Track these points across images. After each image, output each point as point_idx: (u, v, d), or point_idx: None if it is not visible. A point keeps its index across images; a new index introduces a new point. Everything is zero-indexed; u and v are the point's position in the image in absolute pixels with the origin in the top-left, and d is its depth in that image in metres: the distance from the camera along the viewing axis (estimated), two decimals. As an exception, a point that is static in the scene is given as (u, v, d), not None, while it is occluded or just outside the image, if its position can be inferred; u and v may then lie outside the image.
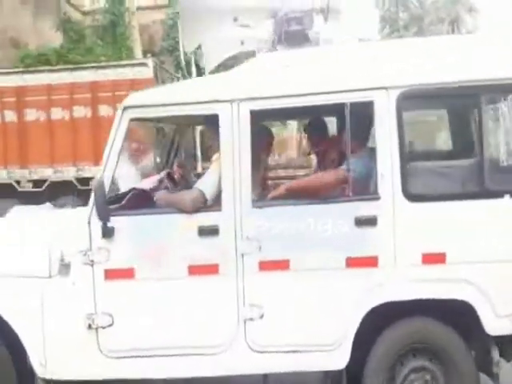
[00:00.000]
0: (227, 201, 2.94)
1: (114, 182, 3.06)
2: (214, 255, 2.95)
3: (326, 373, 3.08)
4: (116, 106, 7.67)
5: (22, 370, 3.11)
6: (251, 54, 3.35)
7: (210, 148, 3.18)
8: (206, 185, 3.03)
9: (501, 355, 3.05)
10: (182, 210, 2.99)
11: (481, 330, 2.92)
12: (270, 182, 4.12)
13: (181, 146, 4.11)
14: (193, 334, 2.99)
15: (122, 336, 3.00)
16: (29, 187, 9.74)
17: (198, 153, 10.19)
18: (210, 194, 3.00)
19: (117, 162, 3.00)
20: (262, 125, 3.64)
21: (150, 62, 9.63)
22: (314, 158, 4.09)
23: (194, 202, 2.98)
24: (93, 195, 2.95)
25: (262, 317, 2.94)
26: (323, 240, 2.91)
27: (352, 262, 2.91)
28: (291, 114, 4.01)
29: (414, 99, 2.96)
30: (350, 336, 2.92)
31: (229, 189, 2.94)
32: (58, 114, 9.71)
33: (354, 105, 2.89)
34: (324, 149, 3.71)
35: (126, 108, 3.01)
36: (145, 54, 12.00)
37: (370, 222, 2.89)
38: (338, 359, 2.94)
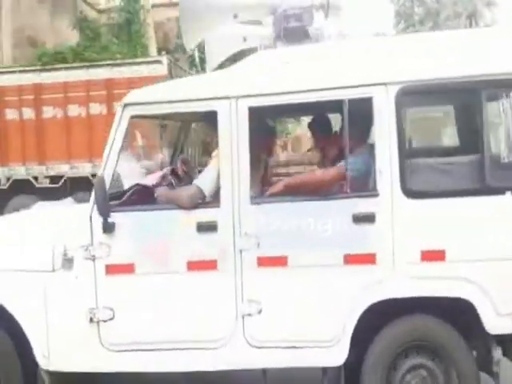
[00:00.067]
0: (225, 197, 2.96)
1: (115, 179, 3.11)
2: (213, 251, 2.97)
3: (325, 369, 3.08)
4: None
5: (27, 361, 3.17)
6: (255, 51, 3.35)
7: (209, 144, 3.20)
8: (204, 181, 3.06)
9: (504, 354, 3.02)
10: (180, 206, 3.02)
11: (481, 328, 2.89)
12: (276, 178, 4.13)
13: (185, 142, 4.14)
14: (192, 329, 3.02)
15: (122, 330, 3.05)
16: (46, 183, 9.91)
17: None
18: (208, 190, 3.02)
19: (117, 159, 3.04)
20: (265, 122, 3.64)
21: (164, 59, 9.70)
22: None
23: (192, 198, 3.01)
24: (94, 191, 2.99)
25: (260, 312, 2.96)
26: (321, 237, 2.91)
27: (350, 259, 2.91)
28: (290, 111, 4.01)
29: (413, 95, 2.93)
30: (348, 333, 2.92)
31: (227, 185, 2.96)
32: (74, 111, 9.86)
33: (353, 101, 2.87)
34: (327, 145, 3.70)
35: (126, 105, 3.05)
36: (159, 51, 12.08)
37: (369, 218, 2.88)
38: (336, 356, 2.94)
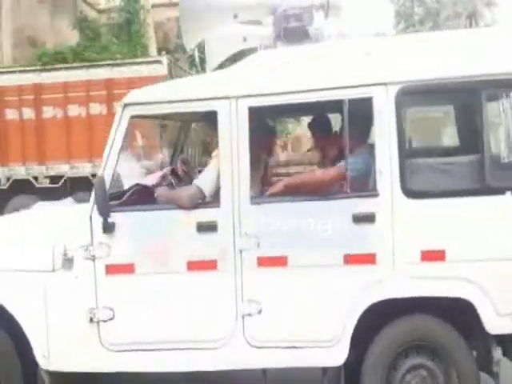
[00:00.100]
0: (225, 197, 2.96)
1: (115, 179, 3.11)
2: (213, 251, 2.97)
3: (325, 369, 3.07)
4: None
5: (27, 361, 3.17)
6: (255, 51, 3.35)
7: (209, 144, 3.20)
8: (204, 181, 3.06)
9: (504, 354, 3.02)
10: (180, 206, 3.02)
11: (481, 328, 2.89)
12: (276, 178, 4.13)
13: (185, 142, 4.14)
14: (192, 329, 3.02)
15: (122, 330, 3.05)
16: (46, 183, 9.91)
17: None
18: (208, 190, 3.02)
19: (117, 159, 3.04)
20: (265, 122, 3.64)
21: (164, 59, 9.70)
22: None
23: (192, 198, 3.01)
24: (93, 191, 2.99)
25: (260, 312, 2.96)
26: (321, 237, 2.91)
27: (350, 259, 2.91)
28: (290, 111, 4.01)
29: (413, 95, 2.93)
30: (348, 333, 2.92)
31: (227, 185, 2.96)
32: (74, 111, 9.86)
33: (353, 101, 2.87)
34: (327, 145, 3.70)
35: (126, 105, 3.05)
36: (159, 51, 12.08)
37: (368, 218, 2.88)
38: (336, 356, 2.94)
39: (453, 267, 2.86)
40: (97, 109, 9.70)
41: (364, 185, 2.99)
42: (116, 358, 3.06)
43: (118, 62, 10.01)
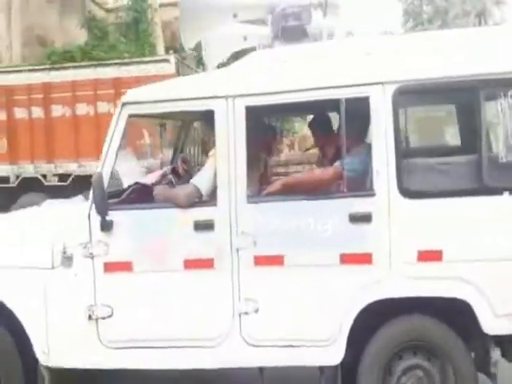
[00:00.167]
0: (222, 196, 2.97)
1: (113, 177, 3.13)
2: (210, 250, 2.99)
3: (322, 368, 3.08)
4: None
5: (27, 358, 3.20)
6: (254, 50, 3.35)
7: (207, 144, 3.21)
8: (201, 180, 3.07)
9: (503, 355, 3.00)
10: (177, 204, 3.03)
11: (479, 329, 2.87)
12: (276, 178, 4.12)
13: (186, 141, 4.15)
14: (189, 327, 3.04)
15: (120, 327, 3.08)
16: (54, 181, 9.98)
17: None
18: (205, 189, 3.03)
19: (115, 158, 3.07)
20: (263, 122, 3.65)
21: (172, 58, 9.69)
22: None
23: (189, 197, 3.02)
24: (92, 190, 3.02)
25: (256, 311, 2.97)
26: (317, 236, 2.91)
27: (346, 259, 2.90)
28: (287, 110, 4.00)
29: (410, 94, 2.92)
30: (344, 332, 2.92)
31: (224, 184, 2.96)
32: (82, 109, 9.91)
33: (349, 100, 2.87)
34: (325, 145, 3.70)
35: (124, 104, 3.08)
36: (167, 50, 12.10)
37: (365, 218, 2.88)
38: (333, 355, 2.94)
39: (450, 267, 2.84)
40: (105, 107, 9.74)
41: (361, 184, 2.98)
42: (114, 355, 3.09)
43: (126, 60, 10.03)
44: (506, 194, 2.80)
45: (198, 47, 3.76)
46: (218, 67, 3.58)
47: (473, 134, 2.83)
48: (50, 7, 12.53)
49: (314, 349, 2.96)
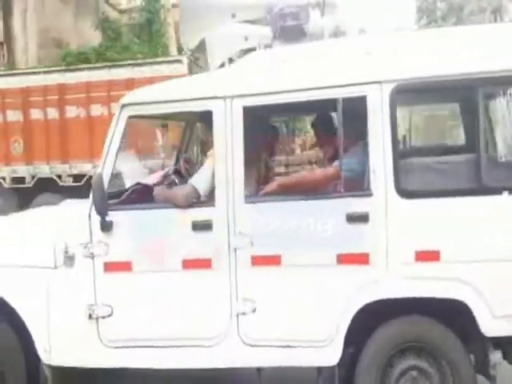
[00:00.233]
0: (220, 196, 2.98)
1: (113, 178, 3.16)
2: (208, 250, 3.00)
3: (320, 369, 3.07)
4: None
5: (29, 355, 3.26)
6: (254, 50, 3.36)
7: (206, 144, 3.23)
8: (199, 180, 3.09)
9: (504, 357, 2.96)
10: (176, 205, 3.06)
11: (478, 330, 2.84)
12: (278, 177, 4.12)
13: (189, 141, 4.18)
14: (188, 327, 3.06)
15: (120, 326, 3.11)
16: (69, 182, 10.10)
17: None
18: (203, 189, 3.05)
19: (115, 159, 3.10)
20: (262, 122, 3.65)
21: (184, 58, 9.76)
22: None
23: (187, 197, 3.05)
24: (92, 191, 3.05)
25: (254, 311, 2.97)
26: (314, 236, 2.90)
27: (343, 259, 2.89)
28: (285, 110, 4.00)
29: (408, 94, 2.90)
30: (341, 333, 2.91)
31: (222, 184, 2.98)
32: (97, 110, 10.01)
33: (347, 100, 2.85)
34: (325, 144, 3.68)
35: (123, 106, 3.11)
36: (179, 50, 12.19)
37: (362, 218, 2.86)
38: (330, 355, 2.94)
39: (447, 268, 2.81)
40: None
41: (358, 184, 2.97)
42: (114, 354, 3.12)
43: (139, 61, 10.12)
44: (506, 193, 2.76)
45: (199, 47, 3.77)
46: (220, 67, 3.57)
47: (471, 133, 2.79)
48: (65, 9, 12.71)
49: (311, 349, 2.95)
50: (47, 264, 3.17)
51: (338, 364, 2.95)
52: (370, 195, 2.87)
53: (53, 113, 10.13)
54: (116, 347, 3.12)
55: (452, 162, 2.90)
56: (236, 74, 3.08)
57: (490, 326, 2.80)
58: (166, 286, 3.05)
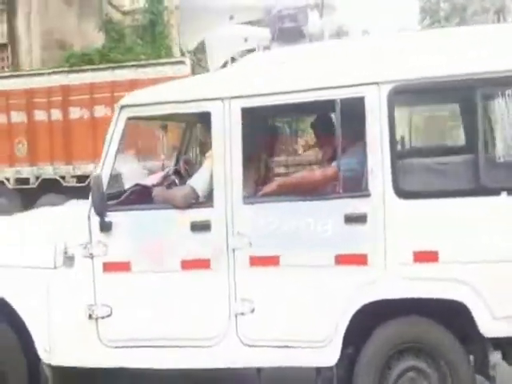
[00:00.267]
0: (219, 197, 2.99)
1: (112, 179, 3.18)
2: (206, 250, 3.01)
3: (318, 369, 3.07)
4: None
5: (30, 355, 3.28)
6: (253, 52, 3.37)
7: (205, 145, 3.24)
8: (197, 181, 3.10)
9: (503, 358, 2.96)
10: (175, 205, 3.07)
11: (477, 331, 2.83)
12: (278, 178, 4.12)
13: (190, 142, 4.19)
14: (187, 327, 3.07)
15: (119, 326, 3.12)
16: (73, 182, 10.15)
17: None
18: (201, 190, 3.06)
19: (114, 160, 3.12)
20: (266, 123, 3.66)
21: (187, 59, 9.78)
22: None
23: (186, 198, 3.06)
24: (91, 191, 3.07)
25: (252, 311, 2.98)
26: (313, 237, 2.91)
27: (341, 260, 2.90)
28: (284, 111, 4.00)
29: (406, 94, 2.90)
30: (340, 333, 2.91)
31: (220, 185, 2.99)
32: (100, 111, 10.05)
33: (345, 101, 2.86)
34: (324, 145, 3.68)
35: (122, 107, 3.12)
36: (182, 51, 12.24)
37: (360, 219, 2.86)
38: (329, 356, 2.93)
39: (446, 268, 2.81)
40: (121, 110, 9.85)
41: (356, 185, 2.97)
42: (113, 354, 3.13)
43: (143, 62, 10.15)
44: (504, 194, 2.76)
45: (198, 48, 3.77)
46: (220, 68, 3.58)
47: (469, 134, 2.79)
48: (68, 11, 12.77)
49: (310, 349, 2.95)
50: (47, 264, 3.19)
51: (337, 364, 2.95)
52: (368, 196, 2.87)
53: (57, 114, 10.18)
54: (115, 347, 3.13)
55: (450, 163, 2.89)
56: (234, 76, 3.09)
57: (489, 326, 2.79)
58: (165, 287, 3.07)
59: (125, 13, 13.97)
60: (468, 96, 2.79)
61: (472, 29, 3.31)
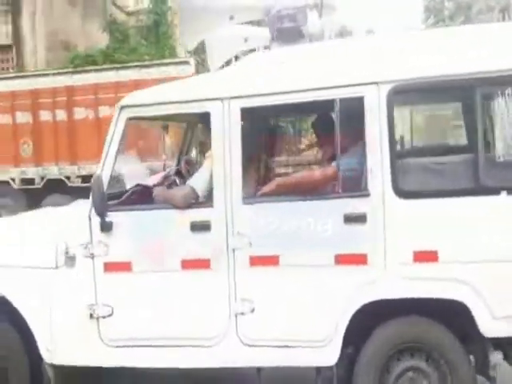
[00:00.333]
0: (218, 197, 3.00)
1: (113, 179, 3.20)
2: (206, 250, 3.02)
3: (318, 369, 3.07)
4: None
5: (32, 355, 3.30)
6: (253, 52, 3.37)
7: (205, 145, 3.24)
8: (197, 181, 3.11)
9: (504, 358, 2.94)
10: (174, 205, 3.08)
11: (478, 331, 2.82)
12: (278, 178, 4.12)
13: (191, 143, 4.20)
14: (187, 327, 3.08)
15: (120, 326, 3.14)
16: (78, 182, 10.18)
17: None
18: (201, 190, 3.07)
19: (115, 160, 3.13)
20: (265, 123, 3.66)
21: (191, 60, 9.79)
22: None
23: (185, 198, 3.07)
24: (91, 192, 3.09)
25: (252, 311, 2.99)
26: (312, 236, 2.91)
27: (341, 259, 2.89)
28: (283, 111, 4.00)
29: (405, 94, 2.89)
30: (340, 333, 2.91)
31: (220, 185, 2.99)
32: (105, 112, 10.07)
33: (344, 101, 2.86)
34: (324, 145, 3.68)
35: (122, 107, 3.14)
36: (188, 51, 12.26)
37: (360, 219, 2.86)
38: (329, 356, 2.94)
39: (446, 268, 2.80)
40: (126, 110, 9.88)
41: (355, 185, 2.96)
42: (114, 354, 3.15)
43: (147, 63, 10.18)
44: (504, 193, 2.75)
45: (198, 48, 3.78)
46: (221, 68, 3.59)
47: (469, 134, 2.78)
48: (72, 11, 12.82)
49: (310, 349, 2.96)
50: (48, 264, 3.21)
51: (337, 364, 2.95)
52: (368, 196, 2.87)
53: (61, 114, 10.21)
54: (117, 346, 3.15)
55: (450, 162, 2.89)
56: (233, 76, 3.10)
57: (490, 326, 2.79)
58: (166, 286, 3.08)
59: (129, 13, 14.01)
60: (468, 96, 2.78)
61: (474, 27, 3.30)
